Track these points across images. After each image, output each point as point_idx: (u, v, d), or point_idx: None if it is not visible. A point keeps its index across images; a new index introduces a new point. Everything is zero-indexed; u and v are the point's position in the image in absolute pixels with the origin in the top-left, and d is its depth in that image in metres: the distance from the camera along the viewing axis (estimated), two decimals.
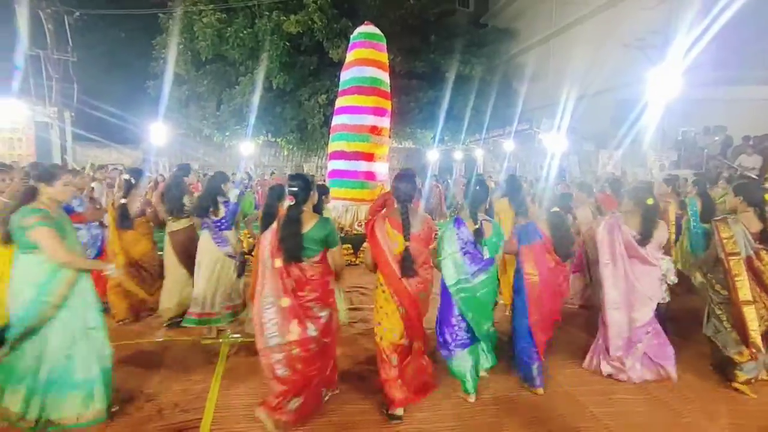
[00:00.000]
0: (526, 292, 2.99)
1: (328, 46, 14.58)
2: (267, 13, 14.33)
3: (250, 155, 15.81)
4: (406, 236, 2.52)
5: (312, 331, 2.44)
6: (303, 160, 18.12)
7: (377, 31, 8.06)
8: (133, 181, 4.06)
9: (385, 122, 8.05)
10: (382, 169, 8.03)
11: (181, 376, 3.12)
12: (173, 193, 3.99)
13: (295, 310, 2.42)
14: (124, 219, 3.94)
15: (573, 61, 13.82)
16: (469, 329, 2.81)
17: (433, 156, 17.09)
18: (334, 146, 8.08)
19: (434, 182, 12.33)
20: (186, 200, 4.03)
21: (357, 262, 6.35)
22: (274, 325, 2.42)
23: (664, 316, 3.66)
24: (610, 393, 3.00)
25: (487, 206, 2.98)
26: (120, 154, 15.80)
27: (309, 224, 2.44)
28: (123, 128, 15.16)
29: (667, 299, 3.58)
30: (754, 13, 8.06)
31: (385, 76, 8.02)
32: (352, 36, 8.22)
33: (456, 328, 2.82)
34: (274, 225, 2.53)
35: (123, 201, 3.95)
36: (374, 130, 7.82)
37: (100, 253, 4.23)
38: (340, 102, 8.08)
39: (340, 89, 8.18)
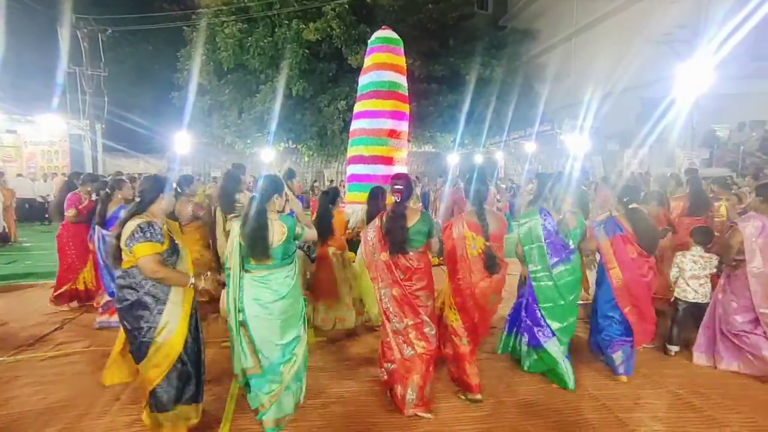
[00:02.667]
0: (612, 284, 3.06)
1: (346, 52, 14.73)
2: (286, 21, 14.62)
3: (271, 162, 16.09)
4: (486, 236, 2.69)
5: (423, 316, 2.63)
6: (323, 166, 18.32)
7: (394, 35, 8.08)
8: (179, 189, 4.06)
9: (403, 126, 8.03)
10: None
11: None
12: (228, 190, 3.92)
13: (406, 298, 2.61)
14: None
15: (596, 59, 13.50)
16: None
17: (453, 159, 16.98)
18: (352, 151, 8.10)
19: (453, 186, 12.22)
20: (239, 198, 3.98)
21: None
22: (393, 312, 2.64)
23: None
24: (638, 397, 2.87)
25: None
26: (146, 163, 16.39)
27: (413, 218, 2.61)
28: (149, 138, 15.75)
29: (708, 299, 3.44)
30: None
31: (403, 80, 8.01)
32: (369, 41, 8.26)
33: (541, 318, 2.98)
34: (377, 221, 2.72)
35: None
36: (393, 134, 7.81)
37: None
38: (358, 106, 8.12)
39: (358, 94, 8.22)
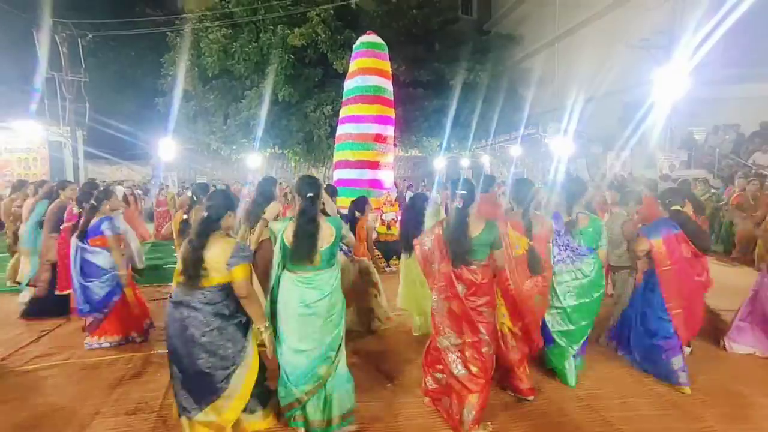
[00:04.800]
0: (662, 284, 3.01)
1: (332, 57, 14.75)
2: (271, 27, 14.59)
3: (257, 168, 15.98)
4: (529, 236, 2.64)
5: (484, 335, 2.46)
6: (310, 171, 18.26)
7: (379, 40, 8.13)
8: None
9: (389, 130, 8.07)
10: (387, 177, 8.04)
11: None
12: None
13: (466, 314, 2.45)
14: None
15: (579, 64, 13.78)
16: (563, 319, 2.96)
17: (440, 163, 17.08)
18: (339, 155, 8.11)
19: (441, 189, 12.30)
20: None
21: None
22: (448, 327, 2.50)
23: None
24: (624, 396, 2.90)
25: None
26: (130, 170, 16.12)
27: (477, 228, 2.45)
28: (133, 145, 15.50)
29: None
30: (764, 10, 7.95)
31: (388, 85, 8.06)
32: (354, 46, 8.30)
33: (550, 317, 2.97)
34: (437, 228, 2.57)
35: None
36: (378, 138, 7.84)
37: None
38: (344, 111, 8.14)
39: (343, 99, 8.24)
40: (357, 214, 4.13)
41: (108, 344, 3.75)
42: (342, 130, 8.08)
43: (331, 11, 14.57)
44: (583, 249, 2.93)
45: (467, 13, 22.61)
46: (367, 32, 8.37)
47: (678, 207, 3.11)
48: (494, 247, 2.49)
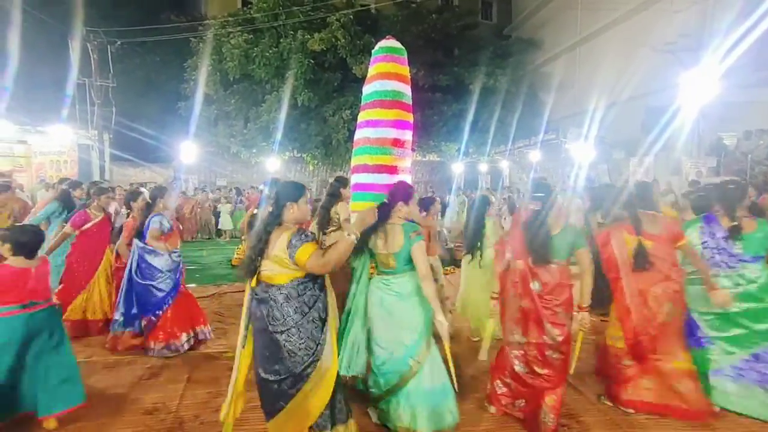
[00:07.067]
0: None
1: (351, 62, 14.84)
2: (292, 32, 14.78)
3: (276, 171, 16.16)
4: (638, 232, 2.62)
5: (556, 336, 2.46)
6: (328, 175, 18.37)
7: (398, 44, 8.08)
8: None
9: (407, 135, 7.99)
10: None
11: (206, 388, 3.12)
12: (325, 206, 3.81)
13: (535, 313, 2.48)
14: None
15: (601, 68, 13.48)
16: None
17: (458, 168, 16.96)
18: (357, 160, 8.08)
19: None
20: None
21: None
22: (516, 324, 2.57)
23: None
24: (626, 426, 2.70)
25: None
26: (152, 172, 16.52)
27: (557, 228, 2.53)
28: (156, 148, 15.88)
29: None
30: None
31: (406, 89, 7.99)
32: (373, 50, 8.31)
33: (703, 322, 2.88)
34: (516, 227, 2.69)
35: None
36: (397, 143, 7.77)
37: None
38: (362, 116, 8.10)
39: (362, 103, 8.22)
40: (423, 213, 4.12)
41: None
42: (360, 134, 8.04)
43: (351, 16, 14.69)
44: (745, 256, 2.76)
45: (487, 18, 22.46)
46: (387, 37, 8.29)
47: None
48: (576, 247, 2.51)
